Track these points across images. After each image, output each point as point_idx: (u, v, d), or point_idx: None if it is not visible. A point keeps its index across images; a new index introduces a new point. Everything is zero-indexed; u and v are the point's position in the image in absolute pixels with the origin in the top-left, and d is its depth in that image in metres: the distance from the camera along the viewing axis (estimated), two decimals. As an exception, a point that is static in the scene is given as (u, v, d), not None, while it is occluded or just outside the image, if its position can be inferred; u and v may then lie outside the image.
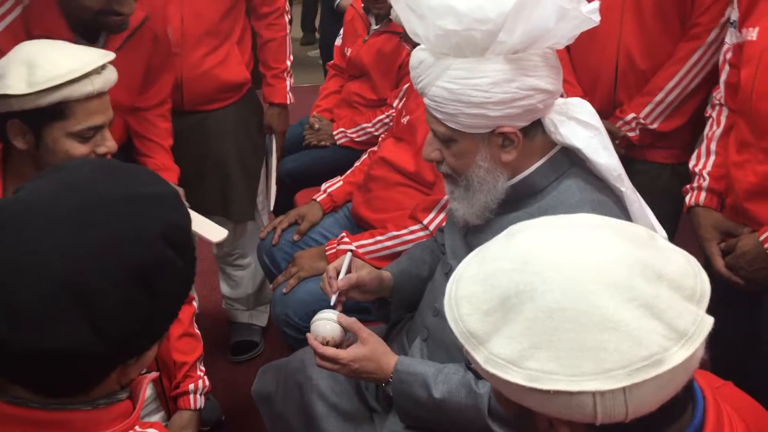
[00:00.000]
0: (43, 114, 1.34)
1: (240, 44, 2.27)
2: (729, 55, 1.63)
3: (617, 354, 0.69)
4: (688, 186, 1.67)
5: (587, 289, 0.72)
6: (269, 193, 2.48)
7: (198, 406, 1.66)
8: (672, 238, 1.98)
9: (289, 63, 2.40)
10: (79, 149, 1.39)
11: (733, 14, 1.61)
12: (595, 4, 1.21)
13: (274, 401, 1.63)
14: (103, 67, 1.40)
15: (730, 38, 1.64)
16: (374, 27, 2.73)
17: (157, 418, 1.66)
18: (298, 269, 1.93)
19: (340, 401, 1.51)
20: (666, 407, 0.74)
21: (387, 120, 2.62)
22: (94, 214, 0.77)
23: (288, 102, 2.41)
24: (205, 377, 1.70)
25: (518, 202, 1.32)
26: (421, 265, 1.61)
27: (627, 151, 1.88)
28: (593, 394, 0.70)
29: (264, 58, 2.38)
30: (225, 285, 2.56)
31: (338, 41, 2.95)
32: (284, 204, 2.59)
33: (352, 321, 1.39)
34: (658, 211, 1.77)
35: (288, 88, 2.40)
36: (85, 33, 1.65)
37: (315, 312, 1.85)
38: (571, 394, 0.70)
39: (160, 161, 1.94)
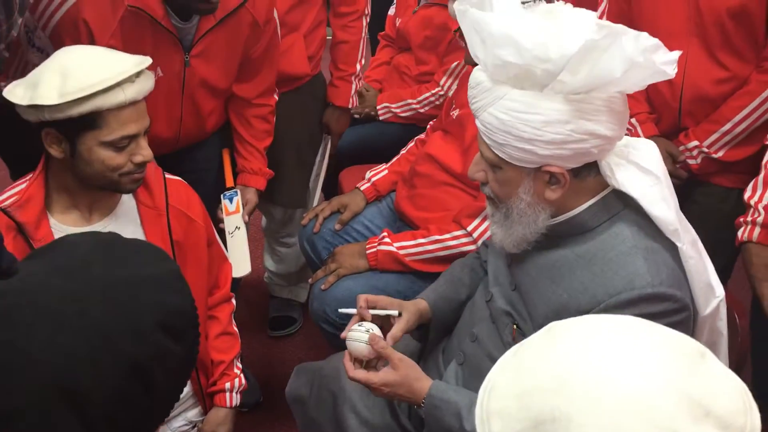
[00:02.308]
0: (76, 124, 1.32)
1: (307, 37, 2.22)
2: None
3: None
4: (741, 218, 1.58)
5: (627, 426, 0.67)
6: (316, 190, 2.46)
7: (234, 404, 1.69)
8: (731, 267, 1.91)
9: (359, 67, 2.34)
10: (114, 159, 1.37)
11: None
12: (674, 55, 1.12)
13: (308, 405, 1.65)
14: (138, 75, 1.37)
15: None
16: (425, -2, 2.63)
17: (194, 413, 1.70)
18: (337, 266, 1.92)
19: (372, 417, 1.52)
20: None
21: (433, 99, 2.55)
22: (88, 305, 0.74)
23: (351, 106, 2.37)
24: (242, 375, 1.72)
25: (565, 238, 1.27)
26: (459, 287, 1.58)
27: (690, 176, 1.80)
28: None
29: (334, 58, 2.34)
30: (269, 259, 2.58)
31: (391, 11, 2.86)
32: (328, 182, 2.58)
33: (383, 346, 1.37)
34: (720, 236, 1.72)
35: (353, 92, 2.35)
36: (181, 12, 1.63)
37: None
38: None
39: (251, 166, 1.95)
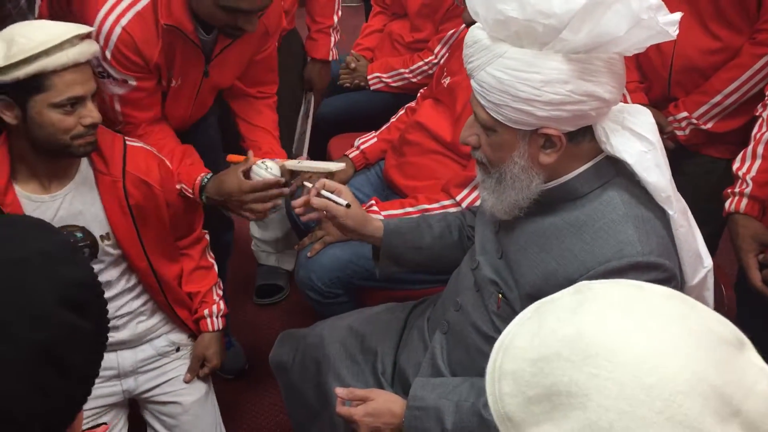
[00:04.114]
0: (24, 87, 1.39)
1: None
2: None
3: None
4: (729, 189, 1.57)
5: (648, 420, 0.62)
6: (303, 149, 2.42)
7: (216, 328, 1.80)
8: (718, 237, 1.90)
9: (336, 19, 2.33)
10: (64, 121, 1.43)
11: None
12: (676, 16, 1.09)
13: (291, 372, 1.64)
14: (81, 39, 1.44)
15: None
16: (422, -39, 2.57)
17: (178, 336, 1.81)
18: (324, 233, 1.90)
19: (356, 384, 1.51)
20: None
21: (426, 68, 2.51)
22: None
23: (331, 58, 2.34)
24: (221, 302, 1.82)
25: (555, 205, 1.25)
26: (424, 231, 1.57)
27: (677, 146, 1.78)
28: None
29: (311, 11, 2.32)
30: (254, 226, 2.56)
31: (387, -25, 2.80)
32: (317, 149, 2.54)
33: (354, 391, 1.42)
34: (707, 206, 1.70)
35: (332, 44, 2.33)
36: (204, 25, 1.69)
37: (339, 278, 1.86)
38: None
39: (267, 146, 1.93)
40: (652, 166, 1.19)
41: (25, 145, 1.47)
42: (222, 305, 1.82)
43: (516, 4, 1.09)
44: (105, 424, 0.87)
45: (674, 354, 0.65)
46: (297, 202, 1.54)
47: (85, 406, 0.76)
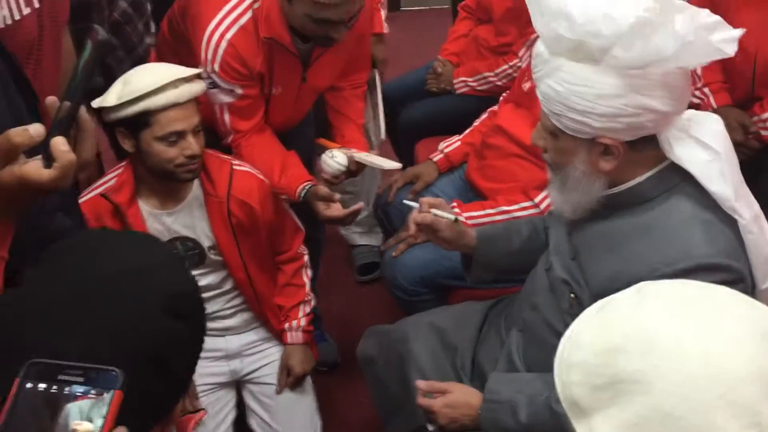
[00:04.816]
0: (135, 122, 1.61)
1: None
2: None
3: None
4: None
5: (709, 403, 0.67)
6: (378, 123, 2.51)
7: (294, 341, 1.97)
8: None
9: None
10: (167, 152, 1.64)
11: None
12: (735, 33, 1.11)
13: (377, 366, 1.74)
14: (186, 80, 1.63)
15: None
16: (506, -32, 2.61)
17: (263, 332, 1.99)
18: (408, 234, 1.98)
19: (437, 377, 1.59)
20: None
21: (511, 71, 2.54)
22: (91, 302, 0.73)
23: (385, 31, 2.46)
24: (305, 318, 1.96)
25: (625, 208, 1.29)
26: (513, 235, 1.63)
27: (763, 146, 1.76)
28: None
29: None
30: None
31: (473, -20, 2.86)
32: (405, 154, 2.64)
33: (434, 384, 1.52)
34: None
35: (384, 17, 2.44)
36: (301, 36, 1.84)
37: (422, 278, 1.95)
38: None
39: (349, 135, 2.08)
40: (716, 175, 1.21)
41: (143, 169, 1.70)
42: (304, 321, 1.96)
43: (567, 23, 1.15)
44: (203, 410, 0.97)
45: (735, 346, 0.69)
46: (411, 230, 1.62)
47: (198, 382, 0.84)
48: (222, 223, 1.78)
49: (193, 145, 1.65)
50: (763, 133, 1.79)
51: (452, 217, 1.57)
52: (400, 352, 1.67)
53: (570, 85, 1.19)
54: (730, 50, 1.12)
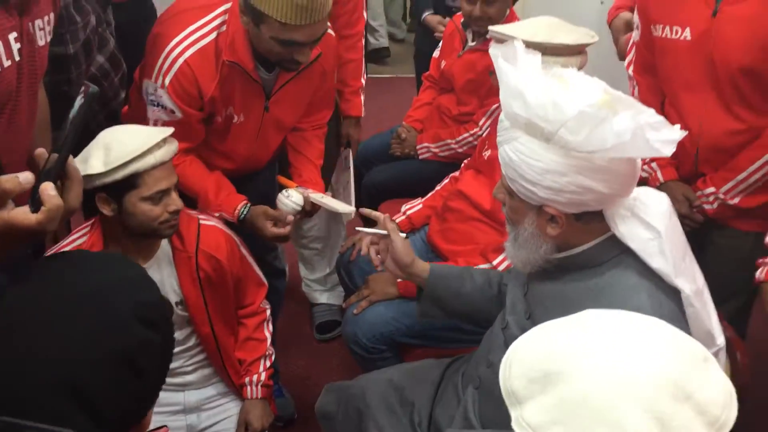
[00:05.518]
0: (120, 186, 1.63)
1: None
2: None
3: None
4: (760, 259, 1.65)
5: (615, 392, 0.80)
6: (349, 199, 2.60)
7: (254, 396, 1.97)
8: (750, 307, 1.96)
9: (363, 81, 2.59)
10: (153, 210, 1.67)
11: None
12: (674, 135, 1.20)
13: (336, 421, 1.76)
14: (164, 141, 1.67)
15: None
16: (470, 43, 2.76)
17: (221, 387, 2.00)
18: (369, 292, 2.04)
19: (395, 434, 1.62)
20: None
21: (472, 139, 2.66)
22: (77, 311, 0.84)
23: (362, 115, 2.60)
24: (264, 373, 1.97)
25: (578, 271, 1.36)
26: (466, 280, 1.72)
27: (707, 219, 1.89)
28: None
29: (343, 76, 2.55)
30: (303, 268, 2.79)
31: (436, 53, 3.00)
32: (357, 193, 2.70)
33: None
34: (737, 277, 1.78)
35: (362, 103, 2.58)
36: (265, 64, 1.90)
37: (382, 335, 1.99)
38: None
39: (307, 175, 2.15)
40: (656, 253, 1.28)
41: (117, 229, 1.71)
42: (264, 377, 1.97)
43: (521, 102, 1.24)
44: (165, 426, 1.05)
45: (649, 351, 0.84)
46: (364, 251, 1.77)
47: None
48: (190, 277, 1.81)
49: (176, 200, 1.70)
50: (707, 207, 1.90)
51: (383, 232, 1.69)
52: (359, 408, 1.70)
53: (523, 156, 1.27)
54: (668, 152, 1.20)
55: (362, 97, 2.62)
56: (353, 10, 2.56)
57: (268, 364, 1.99)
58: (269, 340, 2.02)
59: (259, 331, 2.01)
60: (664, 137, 1.20)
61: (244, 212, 1.98)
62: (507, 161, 1.31)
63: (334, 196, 2.40)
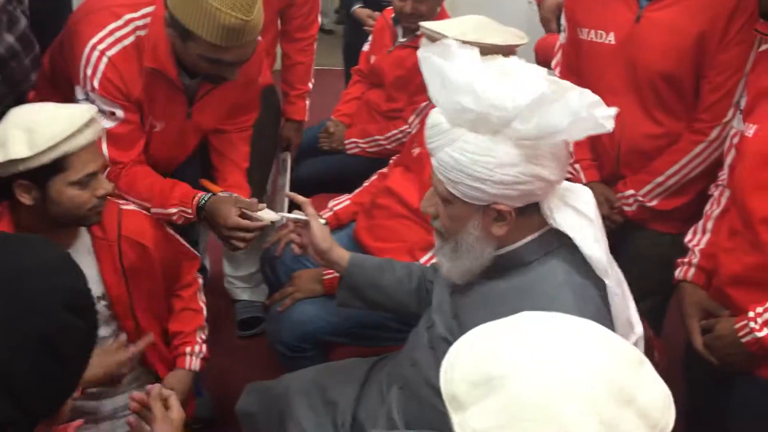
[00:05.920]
0: (46, 170, 1.50)
1: (268, 57, 2.40)
2: (736, 140, 1.66)
3: None
4: (680, 260, 1.71)
5: (556, 392, 0.80)
6: (282, 203, 2.55)
7: (191, 367, 1.86)
8: (666, 305, 2.02)
9: (310, 86, 2.56)
10: (81, 196, 1.56)
11: (743, 101, 1.63)
12: (612, 111, 1.23)
13: (256, 422, 1.72)
14: (90, 120, 1.55)
15: (738, 124, 1.66)
16: (400, 39, 2.75)
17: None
18: (294, 289, 2.00)
19: (317, 434, 1.59)
20: None
21: (400, 135, 2.66)
22: None
23: (305, 119, 2.54)
24: (204, 345, 1.88)
25: (506, 271, 1.37)
26: (386, 272, 1.70)
27: (625, 220, 1.94)
28: None
29: (290, 78, 2.54)
30: (227, 265, 2.72)
31: (366, 47, 2.98)
32: (293, 209, 2.66)
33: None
34: (653, 277, 1.83)
35: (307, 107, 2.54)
36: (188, 70, 1.82)
37: (307, 333, 1.96)
38: None
39: (232, 179, 2.06)
40: (591, 240, 1.31)
41: (33, 219, 1.58)
42: (204, 348, 1.88)
43: (472, 96, 1.23)
44: (81, 419, 1.08)
45: (586, 352, 0.84)
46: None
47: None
48: (112, 266, 1.69)
49: (105, 183, 1.60)
50: (626, 208, 1.95)
51: (304, 217, 1.70)
52: (281, 408, 1.66)
53: (471, 155, 1.25)
54: (609, 126, 1.23)
55: (307, 102, 2.60)
56: (309, 14, 2.56)
57: (204, 336, 1.91)
58: (204, 312, 1.94)
59: (194, 300, 1.93)
60: (605, 113, 1.23)
61: (205, 198, 1.85)
62: (451, 164, 1.28)
63: (268, 201, 2.35)
